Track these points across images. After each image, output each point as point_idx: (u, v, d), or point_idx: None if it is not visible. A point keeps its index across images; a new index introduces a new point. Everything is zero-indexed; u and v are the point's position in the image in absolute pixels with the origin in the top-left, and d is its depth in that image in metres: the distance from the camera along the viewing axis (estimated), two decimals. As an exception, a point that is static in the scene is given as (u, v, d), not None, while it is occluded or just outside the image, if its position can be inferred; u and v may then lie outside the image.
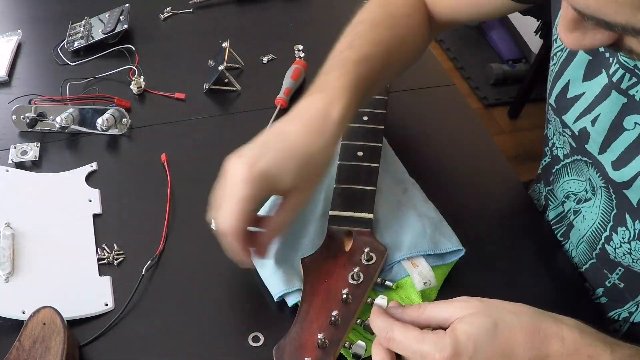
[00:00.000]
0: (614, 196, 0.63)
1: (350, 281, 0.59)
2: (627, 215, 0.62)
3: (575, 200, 0.71)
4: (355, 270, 0.59)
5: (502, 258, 0.70)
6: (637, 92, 0.57)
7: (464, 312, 0.49)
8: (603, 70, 0.60)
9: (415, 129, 0.87)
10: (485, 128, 0.89)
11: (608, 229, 0.65)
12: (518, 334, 0.48)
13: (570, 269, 0.72)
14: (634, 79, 0.56)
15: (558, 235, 0.76)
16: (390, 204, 0.69)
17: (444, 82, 0.94)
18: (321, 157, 0.58)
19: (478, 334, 0.48)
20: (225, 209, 0.55)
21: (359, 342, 0.54)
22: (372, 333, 0.57)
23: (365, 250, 0.62)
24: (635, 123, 0.58)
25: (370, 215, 0.66)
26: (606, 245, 0.65)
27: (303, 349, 0.54)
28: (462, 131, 0.87)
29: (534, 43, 2.21)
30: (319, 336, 0.54)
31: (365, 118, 0.76)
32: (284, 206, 0.59)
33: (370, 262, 0.61)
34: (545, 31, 1.88)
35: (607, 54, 0.59)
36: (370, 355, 0.53)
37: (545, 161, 0.79)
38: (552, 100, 0.67)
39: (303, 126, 0.58)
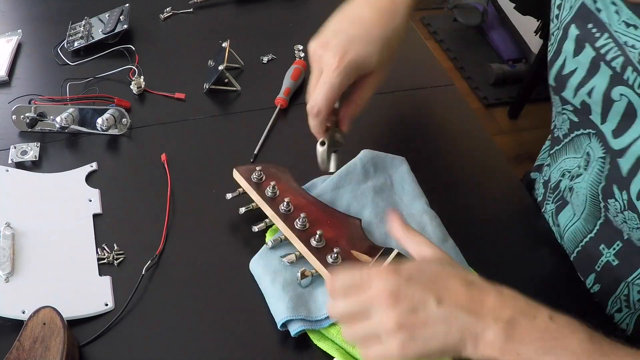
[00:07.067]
0: (607, 167, 0.64)
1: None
2: (615, 187, 0.63)
3: (569, 178, 0.72)
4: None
5: (501, 257, 0.70)
6: (617, 64, 0.59)
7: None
8: (587, 45, 0.62)
9: (416, 129, 0.87)
10: (485, 128, 0.89)
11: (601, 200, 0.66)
12: (459, 278, 0.48)
13: (569, 269, 0.72)
14: (619, 52, 0.58)
15: (553, 217, 0.77)
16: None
17: (444, 82, 0.94)
18: (396, 37, 0.64)
19: (422, 265, 0.50)
20: (319, 94, 0.61)
21: None
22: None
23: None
24: (621, 94, 0.60)
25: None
26: (607, 214, 0.67)
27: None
28: (462, 131, 0.87)
29: (534, 43, 2.21)
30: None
31: None
32: (364, 85, 0.64)
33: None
34: (546, 31, 1.88)
35: (595, 29, 0.61)
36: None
37: (544, 149, 0.80)
38: (551, 81, 0.69)
39: (375, 10, 0.64)
